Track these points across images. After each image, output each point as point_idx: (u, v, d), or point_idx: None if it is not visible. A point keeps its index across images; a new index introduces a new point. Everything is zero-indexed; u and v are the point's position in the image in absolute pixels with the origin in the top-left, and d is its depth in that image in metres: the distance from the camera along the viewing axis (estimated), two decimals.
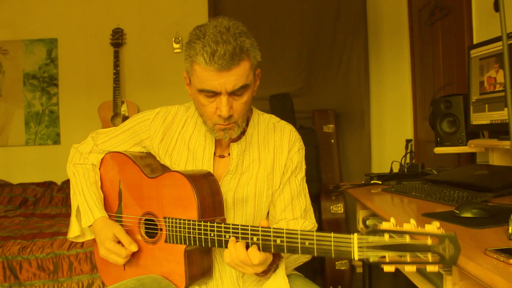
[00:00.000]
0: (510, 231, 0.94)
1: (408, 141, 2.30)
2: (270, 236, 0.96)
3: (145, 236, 1.20)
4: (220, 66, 1.02)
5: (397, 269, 0.86)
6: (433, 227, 0.81)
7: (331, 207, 2.98)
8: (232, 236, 1.01)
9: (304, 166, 1.28)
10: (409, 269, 0.83)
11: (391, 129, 3.47)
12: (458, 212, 1.15)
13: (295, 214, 1.24)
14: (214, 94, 1.07)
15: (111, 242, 1.17)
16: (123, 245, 1.17)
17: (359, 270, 3.24)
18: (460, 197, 1.38)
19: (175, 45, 3.53)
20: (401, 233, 0.83)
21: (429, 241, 0.81)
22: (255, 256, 0.98)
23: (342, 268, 2.91)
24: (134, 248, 1.16)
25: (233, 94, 1.08)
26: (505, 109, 1.57)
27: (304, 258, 1.22)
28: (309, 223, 1.25)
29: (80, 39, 3.57)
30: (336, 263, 2.91)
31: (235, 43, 1.03)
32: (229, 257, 1.00)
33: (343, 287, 2.92)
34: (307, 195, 1.28)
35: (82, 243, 2.25)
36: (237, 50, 1.03)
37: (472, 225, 1.07)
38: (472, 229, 1.05)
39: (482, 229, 1.04)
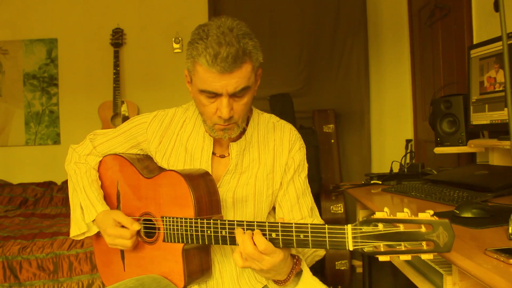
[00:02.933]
0: (510, 231, 0.94)
1: (408, 141, 2.30)
2: (265, 230, 0.97)
3: (144, 237, 1.20)
4: (222, 69, 1.01)
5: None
6: (427, 215, 0.81)
7: (331, 207, 2.98)
8: (239, 228, 0.99)
9: (306, 165, 1.28)
10: (404, 258, 0.83)
11: (391, 129, 3.47)
12: (458, 212, 1.15)
13: (302, 213, 1.24)
14: (215, 95, 1.07)
15: (113, 228, 1.16)
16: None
17: (359, 270, 3.23)
18: (460, 197, 1.38)
19: (175, 45, 3.53)
20: (395, 221, 0.83)
21: (423, 229, 0.81)
22: (260, 242, 0.94)
23: (342, 268, 2.91)
24: (136, 226, 1.14)
25: (234, 95, 1.07)
26: (505, 109, 1.57)
27: (319, 252, 1.21)
28: (318, 221, 1.26)
29: (80, 39, 3.57)
30: (336, 263, 2.91)
31: (238, 45, 1.02)
32: (238, 253, 0.97)
33: (343, 287, 2.92)
34: (310, 193, 1.29)
35: (82, 243, 2.25)
36: (240, 53, 1.02)
37: (472, 225, 1.07)
38: (472, 229, 1.05)
39: (482, 229, 1.04)
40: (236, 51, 1.01)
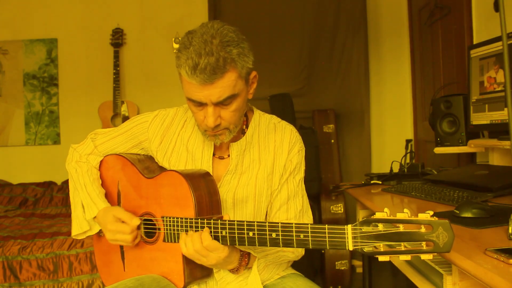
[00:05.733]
0: (510, 231, 0.94)
1: (408, 141, 2.30)
2: (265, 230, 0.97)
3: (144, 236, 1.20)
4: (202, 80, 1.01)
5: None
6: (426, 215, 0.82)
7: (331, 207, 2.98)
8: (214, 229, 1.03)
9: (303, 168, 1.27)
10: (403, 258, 0.84)
11: (391, 129, 3.47)
12: (458, 212, 1.15)
13: (289, 214, 1.23)
14: (201, 104, 1.08)
15: (113, 223, 1.16)
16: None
17: (359, 270, 3.23)
18: (460, 197, 1.38)
19: (175, 45, 3.53)
20: (395, 222, 0.83)
21: (422, 229, 0.81)
22: (205, 238, 1.02)
23: (342, 268, 2.91)
24: (136, 221, 1.15)
25: (220, 103, 1.07)
26: (505, 109, 1.57)
27: (286, 253, 1.21)
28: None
29: (80, 39, 3.57)
30: (336, 263, 2.91)
31: (218, 55, 1.00)
32: (185, 247, 1.04)
33: (343, 287, 2.92)
34: (305, 197, 1.28)
35: (82, 243, 2.25)
36: (220, 63, 1.00)
37: (472, 225, 1.07)
38: (472, 229, 1.05)
39: (482, 229, 1.04)
40: (216, 61, 1.00)
